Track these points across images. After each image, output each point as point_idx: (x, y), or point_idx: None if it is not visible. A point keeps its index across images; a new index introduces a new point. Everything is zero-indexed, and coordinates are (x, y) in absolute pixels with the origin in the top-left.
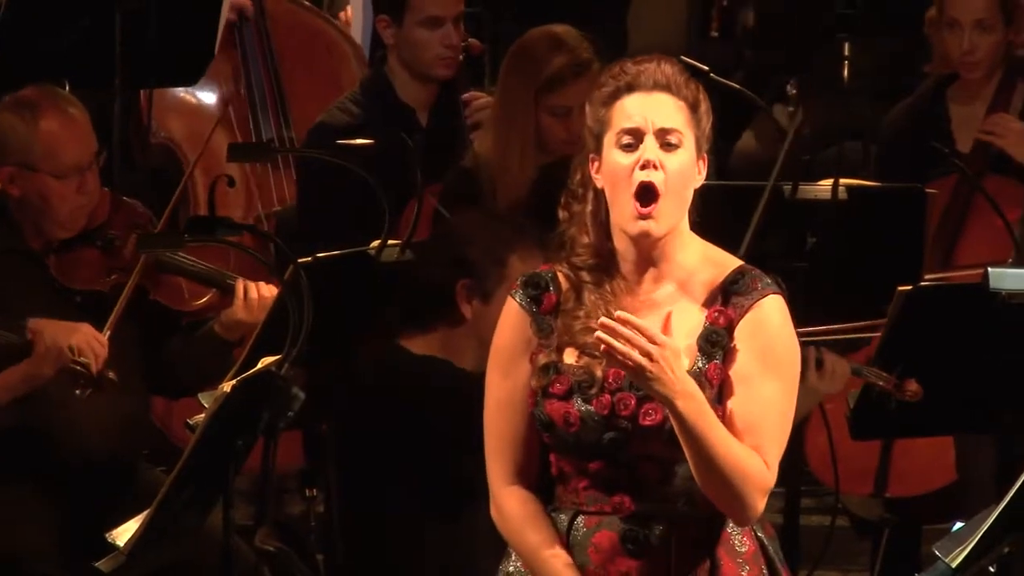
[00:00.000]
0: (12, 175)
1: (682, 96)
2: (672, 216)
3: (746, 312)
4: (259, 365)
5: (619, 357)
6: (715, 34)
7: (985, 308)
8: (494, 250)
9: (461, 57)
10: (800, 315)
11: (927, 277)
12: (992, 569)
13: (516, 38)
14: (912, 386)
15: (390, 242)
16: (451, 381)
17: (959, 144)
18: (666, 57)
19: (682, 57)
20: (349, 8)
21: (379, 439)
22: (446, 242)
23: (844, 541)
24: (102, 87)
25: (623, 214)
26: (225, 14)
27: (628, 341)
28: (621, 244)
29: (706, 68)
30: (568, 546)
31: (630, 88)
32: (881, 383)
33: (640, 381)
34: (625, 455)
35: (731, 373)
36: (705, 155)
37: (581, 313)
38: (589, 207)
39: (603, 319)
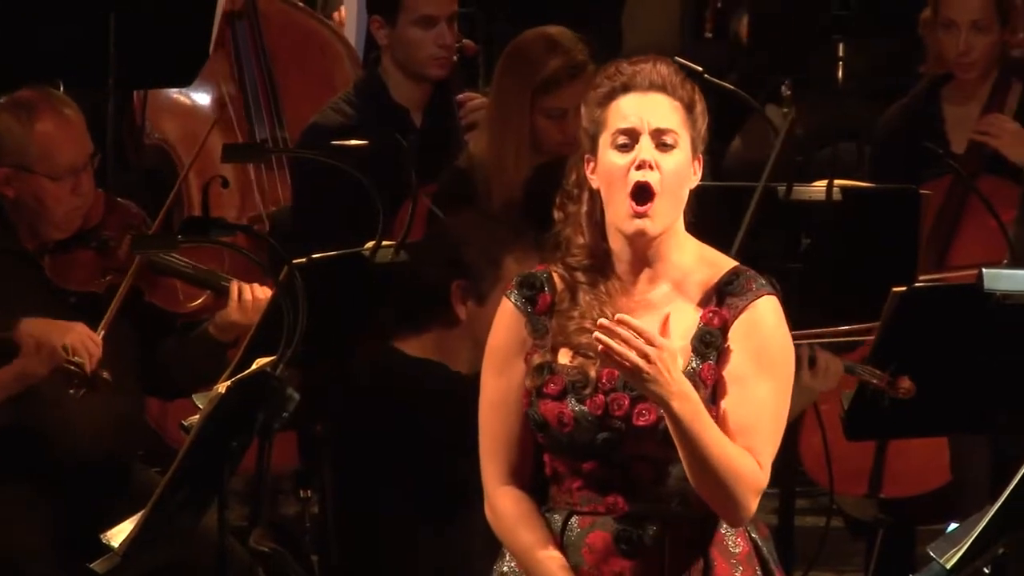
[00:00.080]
0: (7, 176)
1: (678, 97)
2: (667, 216)
3: (740, 313)
4: (254, 366)
5: (617, 358)
6: (709, 35)
7: (980, 309)
8: (489, 251)
9: (455, 57)
10: (795, 316)
11: (922, 278)
12: (987, 570)
13: (510, 38)
14: (905, 383)
15: (384, 243)
16: (445, 384)
17: (953, 145)
18: (662, 57)
19: (676, 58)
20: (343, 8)
21: (374, 440)
22: (441, 243)
23: (838, 542)
24: (96, 88)
25: (619, 214)
26: (219, 16)
27: (626, 342)
28: (616, 244)
29: (700, 69)
30: (562, 546)
31: (626, 88)
32: (874, 380)
33: (637, 382)
34: (619, 455)
35: (725, 373)
36: (701, 156)
37: (576, 313)
38: (584, 208)
39: (601, 320)
